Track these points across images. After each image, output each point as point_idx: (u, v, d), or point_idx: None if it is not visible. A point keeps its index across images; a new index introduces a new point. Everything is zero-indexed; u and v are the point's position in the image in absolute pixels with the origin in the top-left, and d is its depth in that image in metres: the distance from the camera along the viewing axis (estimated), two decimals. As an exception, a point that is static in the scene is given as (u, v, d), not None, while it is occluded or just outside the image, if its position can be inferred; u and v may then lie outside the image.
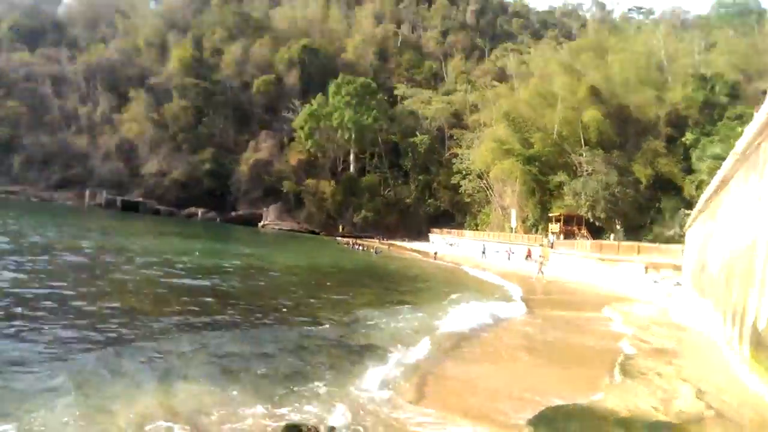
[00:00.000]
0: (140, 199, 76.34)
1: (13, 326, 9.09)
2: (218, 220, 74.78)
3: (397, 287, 23.13)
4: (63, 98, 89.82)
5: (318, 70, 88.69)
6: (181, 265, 21.06)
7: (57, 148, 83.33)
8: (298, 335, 10.58)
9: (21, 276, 14.50)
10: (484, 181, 61.92)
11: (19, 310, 10.45)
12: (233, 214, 76.26)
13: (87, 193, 77.64)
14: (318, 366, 8.42)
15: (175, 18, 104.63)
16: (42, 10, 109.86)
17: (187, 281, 17.45)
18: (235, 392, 6.75)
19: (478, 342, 11.70)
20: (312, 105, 77.14)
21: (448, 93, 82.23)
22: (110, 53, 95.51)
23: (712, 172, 25.04)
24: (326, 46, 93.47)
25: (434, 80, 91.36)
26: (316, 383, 7.34)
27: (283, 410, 6.26)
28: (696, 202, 24.71)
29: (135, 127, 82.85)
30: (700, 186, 36.30)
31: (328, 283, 22.13)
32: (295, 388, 7.12)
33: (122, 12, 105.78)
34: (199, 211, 75.72)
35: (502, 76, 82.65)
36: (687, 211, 33.35)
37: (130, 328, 9.90)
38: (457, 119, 77.71)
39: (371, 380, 7.76)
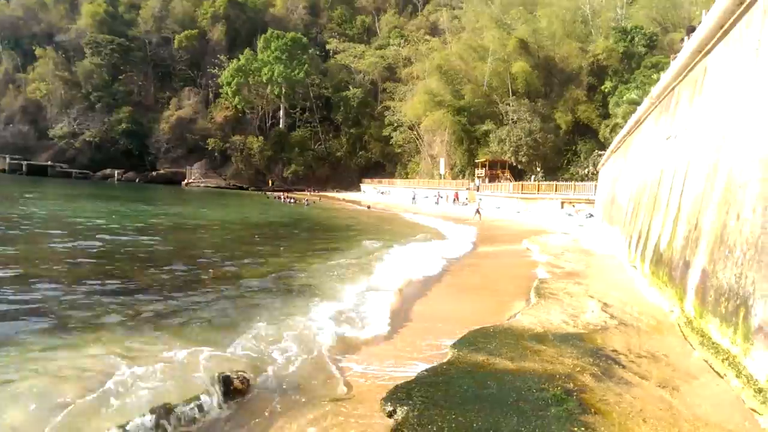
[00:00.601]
0: (49, 163, 70.58)
1: None
2: (137, 180, 70.76)
3: (330, 236, 21.87)
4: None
5: (245, 26, 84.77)
6: (96, 228, 18.10)
7: (-50, 111, 75.68)
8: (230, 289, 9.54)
9: None
10: (415, 132, 62.64)
11: None
12: (154, 173, 72.37)
13: (-12, 158, 71.05)
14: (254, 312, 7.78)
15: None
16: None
17: (104, 243, 14.94)
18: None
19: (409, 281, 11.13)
20: (239, 60, 73.44)
21: (381, 47, 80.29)
22: (12, 9, 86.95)
23: (626, 116, 26.24)
24: (253, 0, 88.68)
25: (367, 35, 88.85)
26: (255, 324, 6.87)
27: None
28: (609, 144, 26.22)
29: (43, 87, 76.68)
30: (614, 129, 37.74)
31: (257, 237, 20.06)
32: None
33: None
34: (116, 173, 71.18)
35: (434, 31, 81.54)
36: (600, 152, 35.23)
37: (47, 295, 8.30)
38: (391, 73, 76.56)
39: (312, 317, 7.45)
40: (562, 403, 4.27)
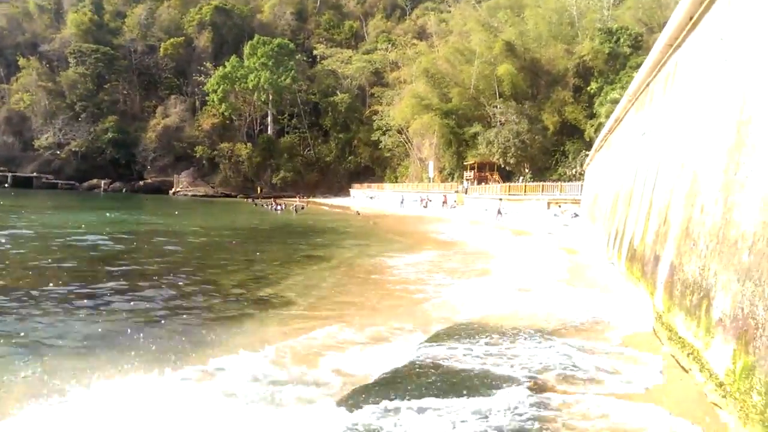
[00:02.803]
0: (34, 174, 69.91)
1: None
2: (124, 190, 70.42)
3: (314, 242, 21.16)
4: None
5: (231, 32, 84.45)
6: (76, 239, 17.64)
7: (-69, 125, 74.89)
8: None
9: None
10: (404, 136, 62.77)
11: None
12: (141, 183, 71.99)
13: (-29, 171, 70.23)
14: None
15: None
16: None
17: (83, 252, 14.86)
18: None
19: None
20: (225, 67, 73.20)
21: (368, 52, 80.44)
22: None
23: (609, 115, 26.36)
24: (240, 7, 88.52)
25: (354, 40, 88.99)
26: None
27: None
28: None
29: (27, 98, 75.96)
30: (598, 128, 37.75)
31: (234, 242, 19.59)
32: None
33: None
34: (102, 183, 70.71)
35: (422, 35, 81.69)
36: (587, 152, 35.17)
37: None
38: (378, 77, 76.87)
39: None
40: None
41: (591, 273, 11.40)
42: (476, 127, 51.34)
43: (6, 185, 67.83)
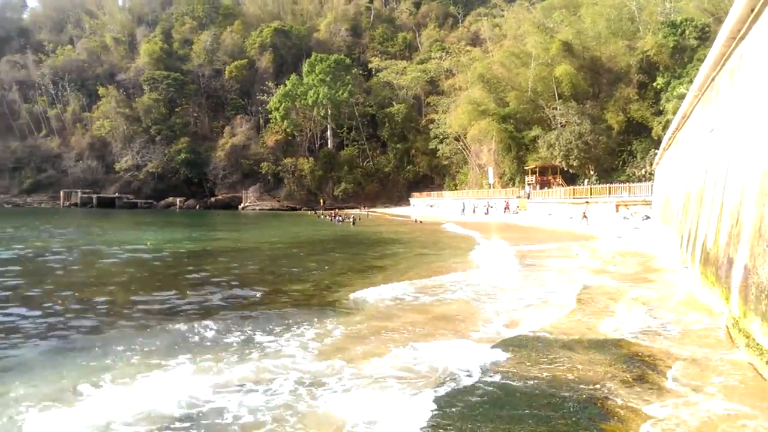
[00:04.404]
0: (116, 195, 75.22)
1: None
2: (197, 207, 74.28)
3: (372, 252, 21.15)
4: (31, 102, 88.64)
5: (291, 52, 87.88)
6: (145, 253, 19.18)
7: (28, 152, 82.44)
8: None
9: None
10: (461, 143, 62.56)
11: None
12: (212, 199, 75.87)
13: (62, 193, 76.47)
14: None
15: (142, 12, 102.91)
16: (6, 18, 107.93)
17: (154, 263, 16.23)
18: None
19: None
20: (286, 86, 75.95)
21: (422, 62, 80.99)
22: (78, 54, 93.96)
23: (676, 112, 25.22)
24: (298, 27, 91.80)
25: (408, 51, 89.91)
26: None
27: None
28: (663, 140, 24.93)
29: (107, 124, 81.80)
30: (666, 126, 36.11)
31: (301, 254, 20.04)
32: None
33: (89, 12, 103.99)
34: (178, 201, 75.00)
35: (475, 41, 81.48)
36: (656, 151, 33.69)
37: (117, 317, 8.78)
38: (433, 86, 77.12)
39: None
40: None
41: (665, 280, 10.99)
42: (536, 130, 50.53)
43: (92, 206, 73.38)
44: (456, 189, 64.65)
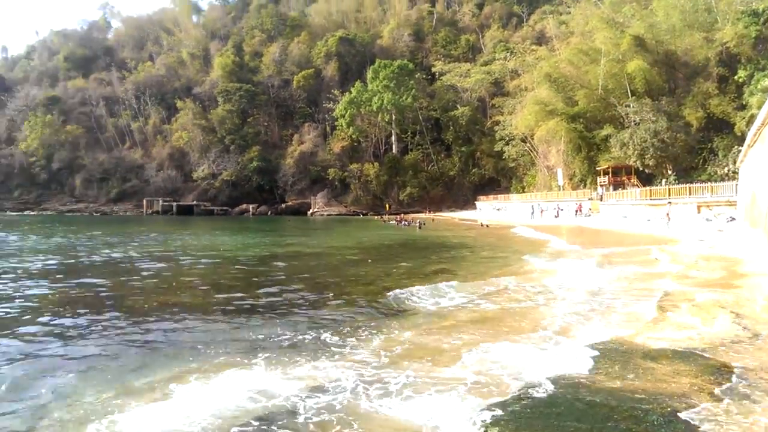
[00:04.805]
0: (194, 203, 79.75)
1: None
2: (269, 213, 77.32)
3: (438, 256, 21.07)
4: (116, 117, 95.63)
5: (355, 60, 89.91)
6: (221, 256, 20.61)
7: (114, 163, 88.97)
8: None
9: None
10: (528, 145, 61.63)
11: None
12: (283, 206, 78.88)
13: (145, 202, 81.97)
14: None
15: (215, 27, 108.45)
16: (93, 38, 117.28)
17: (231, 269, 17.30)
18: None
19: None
20: (351, 93, 77.67)
21: (486, 63, 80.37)
22: (157, 69, 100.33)
23: (762, 106, 23.60)
24: (362, 35, 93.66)
25: (471, 53, 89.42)
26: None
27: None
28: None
29: (185, 135, 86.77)
30: (750, 121, 33.98)
31: (369, 260, 19.81)
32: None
33: (167, 29, 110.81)
34: (250, 207, 78.49)
35: (541, 40, 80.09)
36: (740, 148, 31.67)
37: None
38: (498, 88, 76.45)
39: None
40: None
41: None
42: (607, 129, 48.74)
43: (172, 213, 78.18)
44: (523, 191, 63.54)
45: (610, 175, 45.73)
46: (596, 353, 6.32)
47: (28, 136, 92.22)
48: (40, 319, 9.20)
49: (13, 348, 7.40)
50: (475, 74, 77.72)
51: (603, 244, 22.44)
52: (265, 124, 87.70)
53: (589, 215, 41.66)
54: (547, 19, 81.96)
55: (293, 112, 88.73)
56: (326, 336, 7.78)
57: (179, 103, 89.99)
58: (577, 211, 43.55)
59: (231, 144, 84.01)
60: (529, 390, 5.22)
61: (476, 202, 69.49)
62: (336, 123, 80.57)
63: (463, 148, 77.23)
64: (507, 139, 65.06)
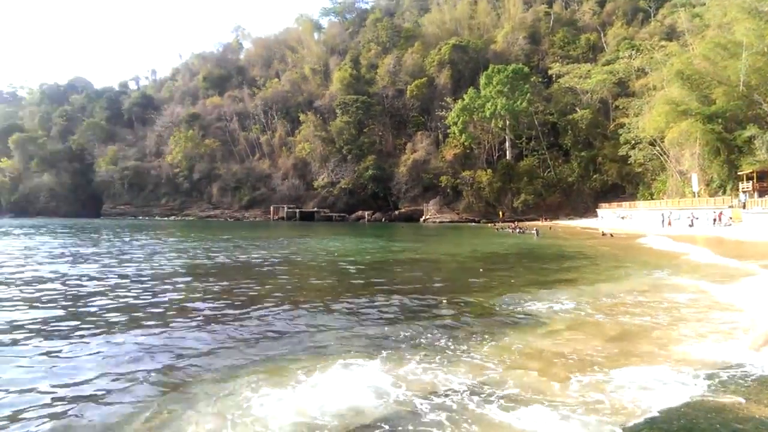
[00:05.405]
0: (315, 209, 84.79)
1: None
2: (383, 220, 79.84)
3: (555, 266, 20.18)
4: (247, 130, 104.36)
5: (468, 66, 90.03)
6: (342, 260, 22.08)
7: (245, 173, 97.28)
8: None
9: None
10: (658, 148, 57.27)
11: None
12: (396, 212, 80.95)
13: (272, 209, 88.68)
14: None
15: (334, 43, 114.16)
16: (227, 59, 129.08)
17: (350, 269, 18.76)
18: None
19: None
20: (463, 100, 77.74)
21: (609, 63, 75.99)
22: (282, 85, 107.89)
23: None
24: (475, 41, 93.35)
25: (592, 52, 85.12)
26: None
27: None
28: None
29: (307, 147, 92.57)
30: None
31: (481, 269, 19.34)
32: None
33: (291, 47, 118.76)
34: (366, 214, 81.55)
35: (671, 35, 74.31)
36: None
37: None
38: (622, 88, 72.05)
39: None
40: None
41: None
42: (751, 130, 44.31)
43: (295, 219, 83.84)
44: (651, 198, 59.15)
45: (755, 180, 41.32)
46: (737, 379, 5.94)
47: (173, 149, 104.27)
48: (188, 305, 10.86)
49: (154, 338, 8.55)
50: (596, 75, 73.90)
51: (751, 257, 19.98)
52: (380, 133, 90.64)
53: (730, 224, 37.83)
54: (678, 12, 75.91)
55: (406, 121, 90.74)
56: (441, 340, 8.14)
57: (302, 116, 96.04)
58: (715, 219, 39.70)
59: (348, 153, 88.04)
60: (654, 414, 5.10)
61: (597, 210, 65.81)
62: (448, 130, 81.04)
63: (583, 153, 73.90)
64: (633, 142, 60.83)
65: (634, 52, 71.93)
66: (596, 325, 9.28)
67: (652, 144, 57.75)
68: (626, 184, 69.17)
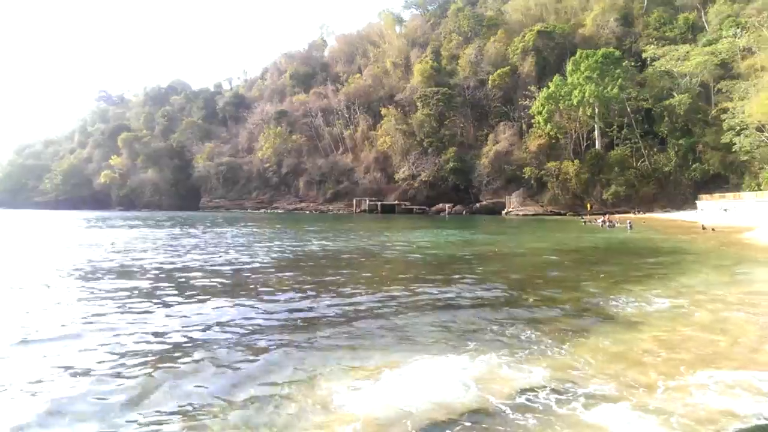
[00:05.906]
0: (396, 202, 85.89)
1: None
2: (464, 212, 79.19)
3: (648, 262, 19.00)
4: (331, 126, 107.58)
5: (553, 53, 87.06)
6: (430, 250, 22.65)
7: (329, 167, 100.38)
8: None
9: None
10: (766, 134, 52.11)
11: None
12: (477, 205, 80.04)
13: (354, 201, 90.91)
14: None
15: (415, 36, 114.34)
16: (312, 56, 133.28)
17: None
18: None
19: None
20: (549, 88, 75.05)
21: (710, 43, 70.38)
22: (365, 80, 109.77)
23: None
24: (561, 26, 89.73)
25: (691, 32, 78.95)
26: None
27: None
28: None
29: (388, 140, 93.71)
30: None
31: (566, 262, 19.21)
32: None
33: (373, 42, 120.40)
34: (446, 207, 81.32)
35: (785, 9, 67.29)
36: None
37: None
38: (726, 70, 66.65)
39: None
40: None
41: None
42: None
43: (377, 212, 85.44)
44: (759, 190, 54.28)
45: None
46: None
47: (263, 145, 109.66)
48: (278, 297, 11.65)
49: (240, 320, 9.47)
50: (695, 56, 68.69)
51: None
52: (461, 125, 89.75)
53: None
54: (794, -17, 68.86)
55: (488, 111, 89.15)
56: (525, 334, 8.23)
57: (383, 110, 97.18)
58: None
59: (429, 146, 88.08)
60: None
61: (697, 202, 61.24)
62: (532, 120, 78.70)
63: (680, 141, 68.90)
64: (738, 128, 56.46)
65: (739, 31, 66.35)
66: (692, 326, 8.96)
67: (760, 130, 53.35)
68: (730, 174, 64.01)
